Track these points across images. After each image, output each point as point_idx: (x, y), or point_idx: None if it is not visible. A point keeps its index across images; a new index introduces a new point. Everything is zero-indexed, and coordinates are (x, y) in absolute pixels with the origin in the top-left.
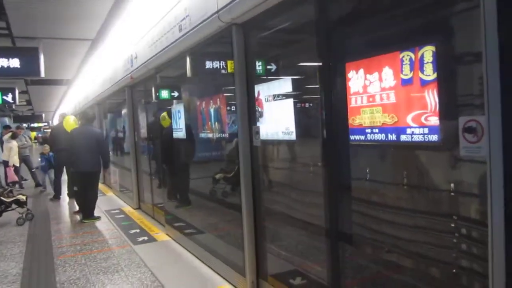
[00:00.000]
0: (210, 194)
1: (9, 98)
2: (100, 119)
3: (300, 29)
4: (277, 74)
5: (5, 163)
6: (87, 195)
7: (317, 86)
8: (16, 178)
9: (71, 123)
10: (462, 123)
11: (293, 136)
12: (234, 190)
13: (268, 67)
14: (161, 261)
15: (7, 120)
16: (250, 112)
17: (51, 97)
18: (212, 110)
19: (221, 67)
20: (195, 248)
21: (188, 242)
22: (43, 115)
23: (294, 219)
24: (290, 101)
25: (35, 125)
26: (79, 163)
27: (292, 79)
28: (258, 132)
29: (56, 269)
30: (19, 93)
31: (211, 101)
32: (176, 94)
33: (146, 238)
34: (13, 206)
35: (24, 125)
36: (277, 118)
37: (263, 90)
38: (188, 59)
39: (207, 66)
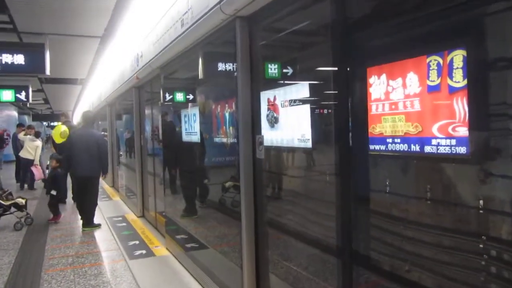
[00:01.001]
0: (219, 203)
1: (22, 96)
2: (111, 121)
3: (315, 27)
4: (289, 77)
5: (27, 162)
6: (85, 202)
7: (334, 91)
8: (42, 176)
9: (60, 134)
10: None
11: (309, 144)
12: None
13: (276, 68)
14: (154, 281)
15: (26, 118)
16: (254, 119)
17: (67, 96)
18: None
19: (230, 68)
20: (193, 268)
21: (187, 260)
22: (68, 114)
23: (306, 240)
24: (306, 107)
25: (55, 123)
26: (77, 168)
27: (306, 83)
28: (262, 143)
29: (41, 285)
30: (34, 91)
31: (222, 105)
32: (182, 97)
33: (144, 252)
34: (12, 209)
35: (44, 123)
36: (292, 125)
37: (271, 95)
38: (191, 58)
39: (214, 67)
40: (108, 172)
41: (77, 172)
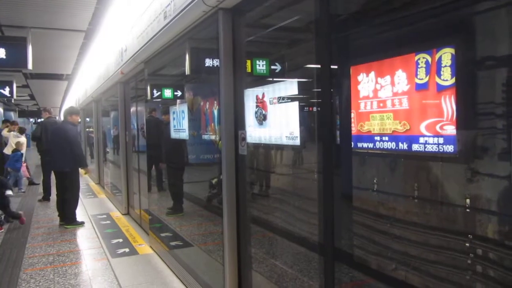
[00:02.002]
0: (206, 200)
1: (6, 91)
2: (97, 117)
3: (301, 23)
4: (277, 75)
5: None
6: (65, 199)
7: (318, 89)
8: (28, 174)
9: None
10: None
11: (297, 141)
12: None
13: (264, 65)
14: (136, 280)
15: (12, 115)
16: (237, 115)
17: (54, 92)
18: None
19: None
20: (176, 267)
21: (170, 258)
22: (51, 109)
23: (291, 237)
24: (294, 104)
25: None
26: (52, 162)
27: (295, 81)
28: (244, 139)
29: (19, 285)
30: (19, 87)
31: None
32: (168, 93)
33: (127, 250)
34: None
35: (31, 120)
36: (280, 122)
37: (259, 92)
38: (175, 53)
39: (198, 61)
40: (86, 166)
41: (53, 167)
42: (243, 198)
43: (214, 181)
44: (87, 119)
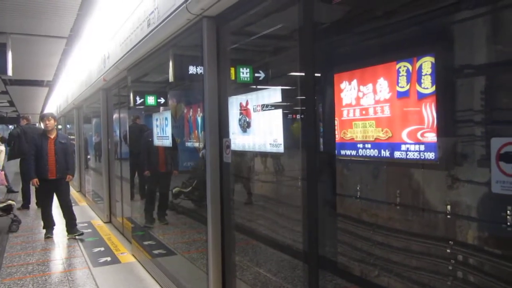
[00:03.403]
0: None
1: None
2: (78, 124)
3: (285, 31)
4: (261, 82)
5: None
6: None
7: (302, 97)
8: (5, 183)
9: None
10: (496, 147)
11: (281, 149)
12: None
13: (248, 72)
14: None
15: None
16: (222, 123)
17: (34, 98)
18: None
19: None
20: (159, 275)
21: (153, 267)
22: (30, 117)
23: (275, 245)
24: (278, 112)
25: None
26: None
27: (278, 88)
28: (229, 146)
29: None
30: None
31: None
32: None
33: (109, 258)
34: None
35: (11, 127)
36: (264, 130)
37: (243, 100)
38: (158, 60)
39: (182, 69)
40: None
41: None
42: (227, 206)
43: (175, 190)
44: (68, 125)
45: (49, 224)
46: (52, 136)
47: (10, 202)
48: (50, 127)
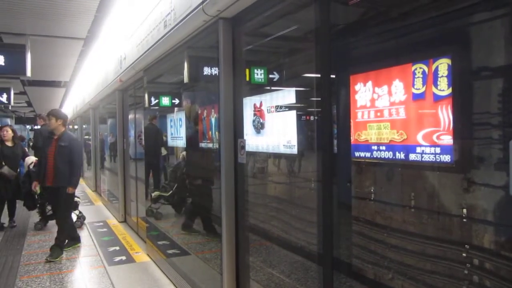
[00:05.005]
0: (146, 213)
1: (3, 98)
2: (94, 124)
3: (300, 32)
4: (275, 83)
5: None
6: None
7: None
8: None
9: None
10: None
11: (294, 150)
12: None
13: (262, 74)
14: None
15: (9, 121)
16: (236, 124)
17: (51, 99)
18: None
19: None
20: (173, 275)
21: (167, 266)
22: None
23: (290, 247)
24: (292, 113)
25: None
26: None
27: (292, 90)
28: (243, 147)
29: None
30: (17, 94)
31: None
32: (166, 100)
33: (124, 258)
34: None
35: (28, 126)
36: (278, 131)
37: (257, 101)
38: (174, 61)
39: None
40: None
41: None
42: (241, 206)
43: (154, 194)
44: (84, 125)
45: (69, 237)
46: (56, 137)
47: (76, 199)
48: (51, 127)
